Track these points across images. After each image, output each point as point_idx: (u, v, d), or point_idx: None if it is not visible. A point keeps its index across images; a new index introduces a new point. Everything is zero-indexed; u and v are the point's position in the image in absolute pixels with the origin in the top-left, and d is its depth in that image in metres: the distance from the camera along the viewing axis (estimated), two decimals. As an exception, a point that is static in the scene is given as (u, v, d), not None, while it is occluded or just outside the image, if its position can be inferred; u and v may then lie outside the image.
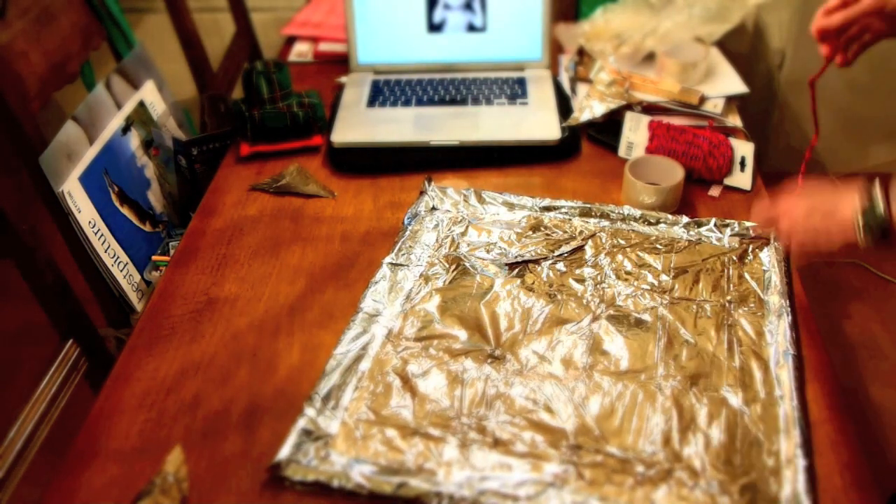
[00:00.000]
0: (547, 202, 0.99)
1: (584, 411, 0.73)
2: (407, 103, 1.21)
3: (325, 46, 1.45)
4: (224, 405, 0.76)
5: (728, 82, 1.24)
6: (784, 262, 0.88)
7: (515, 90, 1.22)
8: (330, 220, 1.02)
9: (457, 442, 0.70)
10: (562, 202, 0.99)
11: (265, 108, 1.13)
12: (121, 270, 1.07)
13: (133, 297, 1.08)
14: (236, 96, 1.35)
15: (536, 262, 0.90)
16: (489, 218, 0.98)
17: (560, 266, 0.90)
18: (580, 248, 0.92)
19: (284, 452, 0.68)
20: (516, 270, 0.89)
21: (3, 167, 1.03)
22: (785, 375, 0.75)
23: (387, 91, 1.24)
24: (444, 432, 0.71)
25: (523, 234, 0.95)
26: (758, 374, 0.76)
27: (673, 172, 1.00)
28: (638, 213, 0.96)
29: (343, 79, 1.31)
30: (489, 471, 0.67)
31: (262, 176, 1.11)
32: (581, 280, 0.88)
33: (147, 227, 1.16)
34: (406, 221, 0.97)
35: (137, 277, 1.10)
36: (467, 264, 0.91)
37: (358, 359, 0.79)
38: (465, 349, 0.80)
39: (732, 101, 1.22)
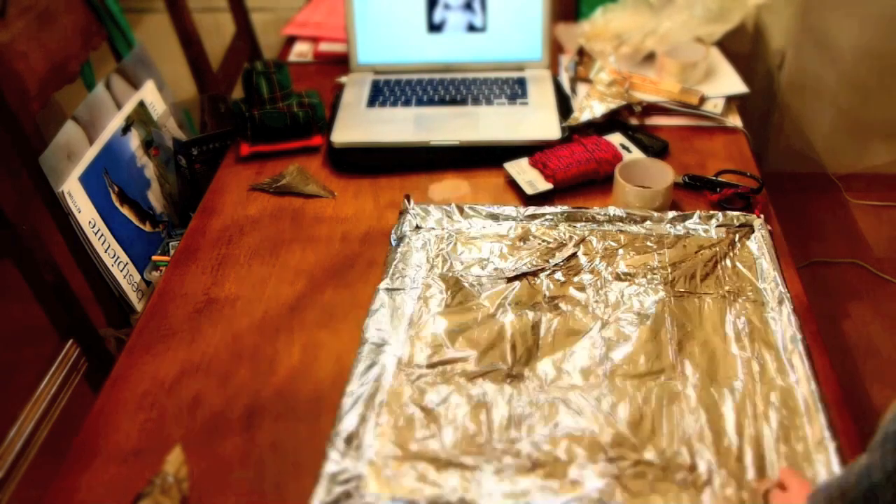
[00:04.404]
0: (531, 210, 0.98)
1: (614, 419, 0.72)
2: (407, 103, 1.21)
3: (325, 46, 1.45)
4: (224, 405, 0.76)
5: (728, 82, 1.24)
6: (773, 249, 0.90)
7: (515, 90, 1.22)
8: (330, 220, 1.02)
9: (492, 469, 0.68)
10: (546, 209, 0.98)
11: (265, 108, 1.13)
12: (121, 270, 1.07)
13: (133, 297, 1.08)
14: (236, 96, 1.35)
15: (534, 273, 0.89)
16: (476, 232, 0.96)
17: (558, 276, 0.89)
18: (574, 256, 0.92)
19: (317, 501, 0.65)
20: (517, 285, 0.88)
21: (3, 167, 1.04)
22: (797, 360, 0.76)
23: (387, 91, 1.24)
24: (477, 460, 0.69)
25: (514, 246, 0.93)
26: (771, 363, 0.77)
27: (663, 175, 0.99)
28: (623, 212, 0.96)
29: (343, 79, 1.31)
30: (533, 495, 0.66)
31: (262, 176, 1.11)
32: (581, 288, 0.87)
33: (147, 227, 1.16)
34: (393, 243, 0.94)
35: (137, 277, 1.10)
36: (466, 283, 0.88)
37: (373, 394, 0.75)
38: (482, 371, 0.77)
39: (732, 101, 1.22)
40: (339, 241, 0.98)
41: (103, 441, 0.73)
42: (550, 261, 0.91)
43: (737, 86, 1.23)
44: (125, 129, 1.17)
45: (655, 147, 1.11)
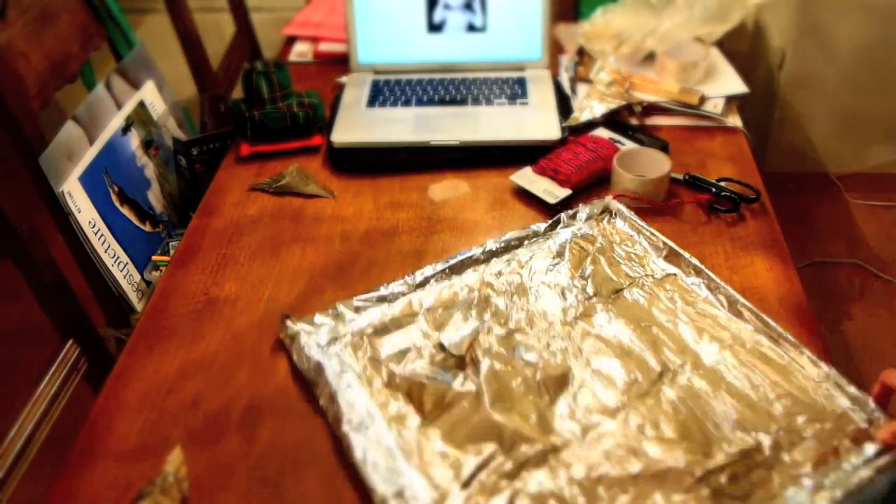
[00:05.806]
0: (417, 278, 0.87)
1: (670, 440, 0.69)
2: (407, 103, 1.21)
3: (325, 46, 1.45)
4: (224, 405, 0.76)
5: (728, 82, 1.24)
6: (638, 219, 0.93)
7: (515, 90, 1.22)
8: (330, 220, 1.02)
9: None
10: (427, 269, 0.88)
11: (265, 108, 1.13)
12: (121, 270, 1.07)
13: (133, 297, 1.08)
14: (236, 96, 1.35)
15: (475, 340, 0.80)
16: (380, 320, 0.83)
17: (497, 331, 0.81)
18: (487, 303, 0.84)
19: None
20: (469, 358, 0.78)
21: (3, 167, 1.04)
22: (747, 313, 0.79)
23: (387, 91, 1.24)
24: None
25: (432, 321, 0.82)
26: (734, 324, 0.79)
27: (660, 164, 1.00)
28: (500, 242, 0.91)
29: (343, 79, 1.31)
30: None
31: (262, 176, 1.11)
32: (523, 331, 0.80)
33: (147, 227, 1.16)
34: (312, 379, 0.77)
35: (137, 277, 1.10)
36: (425, 381, 0.76)
37: None
38: (518, 461, 0.67)
39: (732, 101, 1.22)
40: (339, 241, 0.98)
41: (103, 441, 0.73)
42: (480, 321, 0.82)
43: (737, 86, 1.23)
44: (125, 129, 1.17)
45: (655, 147, 1.11)
